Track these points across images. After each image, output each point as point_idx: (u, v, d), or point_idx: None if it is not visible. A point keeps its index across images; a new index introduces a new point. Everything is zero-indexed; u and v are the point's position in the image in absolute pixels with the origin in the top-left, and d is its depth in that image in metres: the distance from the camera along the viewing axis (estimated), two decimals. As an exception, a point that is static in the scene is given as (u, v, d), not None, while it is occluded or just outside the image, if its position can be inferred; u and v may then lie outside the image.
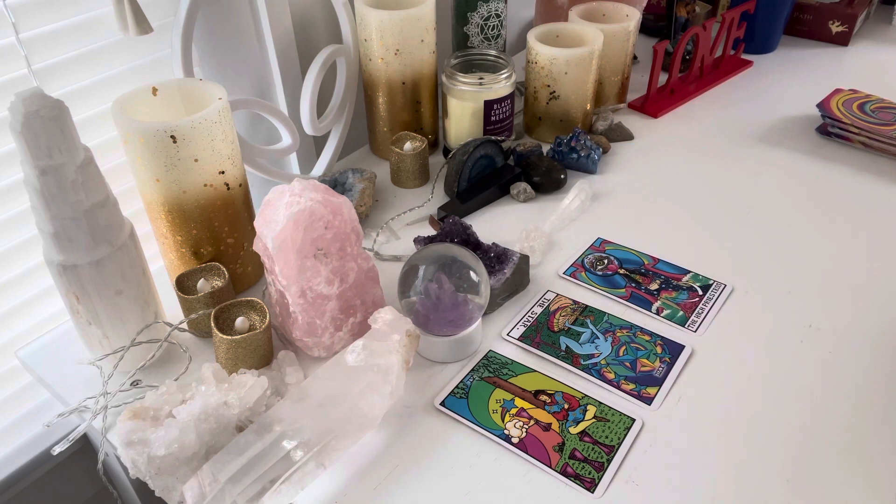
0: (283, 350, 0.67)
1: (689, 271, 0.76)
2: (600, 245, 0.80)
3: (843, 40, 1.24)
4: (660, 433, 0.59)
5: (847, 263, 0.77)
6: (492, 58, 0.93)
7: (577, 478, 0.56)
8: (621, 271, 0.76)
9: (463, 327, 0.65)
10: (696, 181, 0.91)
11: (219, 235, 0.70)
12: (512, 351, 0.67)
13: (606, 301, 0.73)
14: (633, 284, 0.74)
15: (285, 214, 0.60)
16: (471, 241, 0.75)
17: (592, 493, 0.55)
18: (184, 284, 0.69)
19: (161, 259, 0.73)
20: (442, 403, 0.62)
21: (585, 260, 0.78)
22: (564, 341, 0.68)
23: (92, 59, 0.71)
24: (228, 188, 0.68)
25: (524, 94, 1.01)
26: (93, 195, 0.57)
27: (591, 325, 0.70)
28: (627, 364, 0.65)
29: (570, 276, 0.76)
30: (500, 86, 0.89)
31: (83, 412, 0.63)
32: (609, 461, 0.57)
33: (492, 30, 1.00)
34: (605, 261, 0.78)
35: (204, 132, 0.63)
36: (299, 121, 0.86)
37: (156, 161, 0.62)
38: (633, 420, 0.60)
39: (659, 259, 0.78)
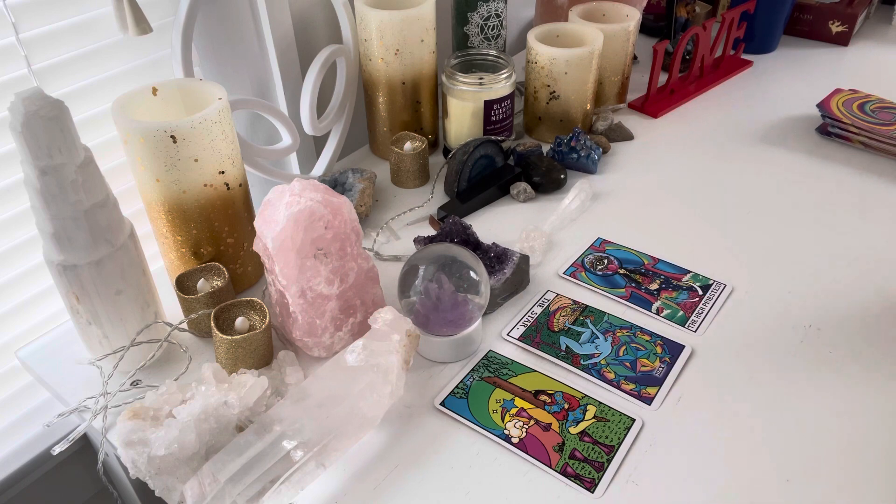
0: (283, 350, 0.67)
1: (689, 271, 0.76)
2: (600, 245, 0.80)
3: (843, 40, 1.24)
4: (660, 433, 0.59)
5: (847, 263, 0.77)
6: (492, 58, 0.93)
7: (577, 478, 0.56)
8: (621, 271, 0.76)
9: (463, 327, 0.65)
10: (696, 181, 0.91)
11: (219, 235, 0.70)
12: (512, 351, 0.67)
13: (606, 301, 0.73)
14: (633, 284, 0.74)
15: (285, 214, 0.60)
16: (471, 241, 0.75)
17: (592, 493, 0.55)
18: (184, 284, 0.69)
19: (161, 259, 0.73)
20: (442, 403, 0.62)
21: (585, 260, 0.78)
22: (564, 341, 0.68)
23: (92, 59, 0.71)
24: (228, 188, 0.68)
25: (524, 94, 1.01)
26: (93, 195, 0.57)
27: (591, 325, 0.70)
28: (627, 364, 0.65)
29: (570, 276, 0.76)
30: (500, 86, 0.89)
31: (83, 412, 0.63)
32: (609, 461, 0.57)
33: (492, 30, 1.00)
34: (605, 261, 0.78)
35: (204, 132, 0.63)
36: (299, 121, 0.86)
37: (156, 161, 0.62)
38: (633, 420, 0.60)
39: (659, 259, 0.78)
